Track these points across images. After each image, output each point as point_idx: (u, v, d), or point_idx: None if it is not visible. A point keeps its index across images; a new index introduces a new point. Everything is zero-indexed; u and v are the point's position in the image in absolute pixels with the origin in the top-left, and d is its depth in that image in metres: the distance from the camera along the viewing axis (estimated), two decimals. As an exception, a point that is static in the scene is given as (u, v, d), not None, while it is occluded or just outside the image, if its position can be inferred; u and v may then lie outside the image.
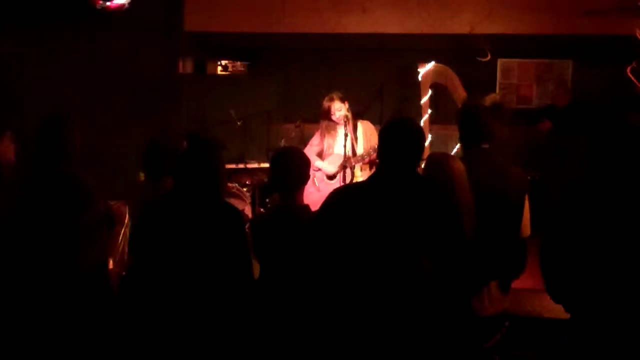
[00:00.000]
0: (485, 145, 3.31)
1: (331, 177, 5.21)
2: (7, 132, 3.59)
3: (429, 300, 2.46)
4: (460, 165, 2.99)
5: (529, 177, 3.35)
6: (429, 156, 3.14)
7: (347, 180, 5.07)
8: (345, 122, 5.02)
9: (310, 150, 5.26)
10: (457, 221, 2.60)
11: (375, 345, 2.46)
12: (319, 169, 5.21)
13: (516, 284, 3.35)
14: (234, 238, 2.83)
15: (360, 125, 5.22)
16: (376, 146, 5.03)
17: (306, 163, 3.08)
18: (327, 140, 5.20)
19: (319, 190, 5.20)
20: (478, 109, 3.48)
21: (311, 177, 5.17)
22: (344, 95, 5.12)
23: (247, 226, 3.30)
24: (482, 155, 3.27)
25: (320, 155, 5.25)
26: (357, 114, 5.24)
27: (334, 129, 5.16)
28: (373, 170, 5.24)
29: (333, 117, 5.10)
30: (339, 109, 5.06)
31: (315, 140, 5.29)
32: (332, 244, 2.56)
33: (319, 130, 5.25)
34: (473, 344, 2.98)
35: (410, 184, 2.57)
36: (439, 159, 3.04)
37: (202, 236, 2.80)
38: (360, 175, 5.18)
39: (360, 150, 5.14)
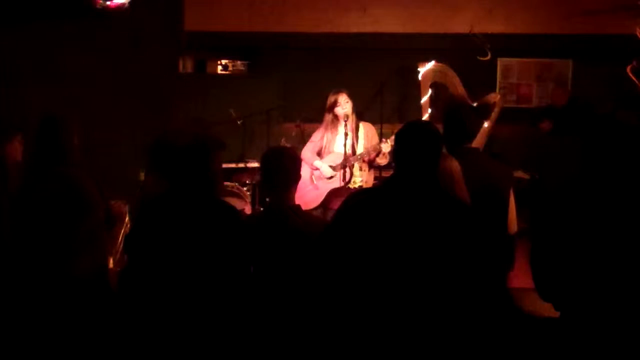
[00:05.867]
0: (469, 144, 3.34)
1: (329, 177, 5.21)
2: (17, 135, 3.62)
3: (447, 306, 2.43)
4: (456, 165, 3.00)
5: (521, 176, 3.36)
6: None
7: (346, 180, 5.07)
8: (345, 120, 5.01)
9: (310, 147, 5.25)
10: (479, 227, 2.53)
11: (387, 350, 2.44)
12: (317, 169, 5.20)
13: (516, 283, 3.35)
14: (229, 236, 2.82)
15: (362, 126, 5.20)
16: (376, 145, 5.07)
17: (297, 163, 3.05)
18: (328, 136, 5.18)
19: (317, 188, 5.20)
20: (459, 110, 3.51)
21: (309, 174, 5.21)
22: (351, 95, 5.13)
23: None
24: (466, 155, 3.29)
25: (320, 152, 5.24)
26: (358, 115, 5.24)
27: (336, 126, 5.14)
28: (371, 170, 5.25)
29: (337, 111, 5.08)
30: (347, 102, 5.05)
31: (316, 136, 5.27)
32: (348, 250, 2.50)
33: (322, 125, 5.23)
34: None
35: (430, 191, 2.50)
36: None
37: (196, 235, 2.80)
38: (359, 175, 5.17)
39: (360, 150, 5.14)
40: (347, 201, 2.65)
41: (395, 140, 2.58)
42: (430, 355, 2.39)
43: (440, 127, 2.66)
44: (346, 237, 2.52)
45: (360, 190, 4.72)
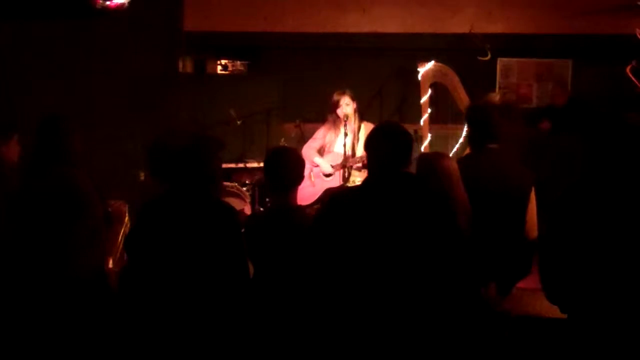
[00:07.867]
0: (493, 145, 3.31)
1: (327, 175, 5.24)
2: (15, 135, 3.62)
3: (431, 299, 2.46)
4: (453, 164, 2.99)
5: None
6: (421, 156, 3.14)
7: (344, 180, 5.08)
8: (345, 121, 5.03)
9: (312, 145, 5.29)
10: (452, 218, 2.61)
11: (377, 346, 2.46)
12: (317, 165, 5.23)
13: (520, 283, 3.34)
14: (228, 236, 2.82)
15: (364, 127, 5.22)
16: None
17: (301, 163, 3.06)
18: (330, 136, 5.22)
19: (313, 186, 5.23)
20: (486, 109, 3.49)
21: (309, 171, 5.23)
22: (354, 96, 5.15)
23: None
24: (488, 156, 3.27)
25: (322, 150, 5.27)
26: (359, 115, 5.26)
27: (339, 126, 5.18)
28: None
29: (339, 112, 5.11)
30: (347, 104, 5.08)
31: (319, 134, 5.32)
32: (333, 246, 2.56)
33: (326, 124, 5.27)
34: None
35: (403, 186, 2.58)
36: (432, 159, 3.04)
37: (195, 235, 2.79)
38: (358, 175, 5.18)
39: (359, 151, 5.15)
40: (331, 197, 2.74)
41: (368, 142, 2.69)
42: (412, 349, 2.42)
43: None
44: (329, 230, 2.60)
45: (342, 189, 4.76)
